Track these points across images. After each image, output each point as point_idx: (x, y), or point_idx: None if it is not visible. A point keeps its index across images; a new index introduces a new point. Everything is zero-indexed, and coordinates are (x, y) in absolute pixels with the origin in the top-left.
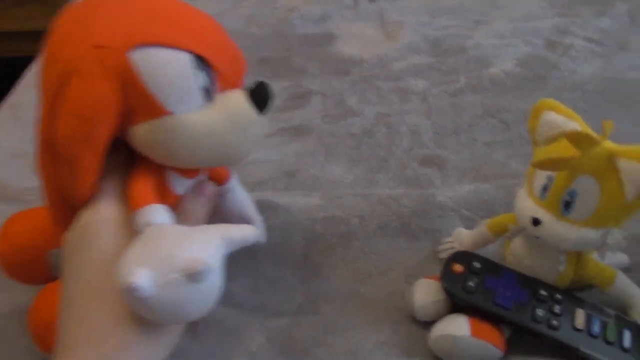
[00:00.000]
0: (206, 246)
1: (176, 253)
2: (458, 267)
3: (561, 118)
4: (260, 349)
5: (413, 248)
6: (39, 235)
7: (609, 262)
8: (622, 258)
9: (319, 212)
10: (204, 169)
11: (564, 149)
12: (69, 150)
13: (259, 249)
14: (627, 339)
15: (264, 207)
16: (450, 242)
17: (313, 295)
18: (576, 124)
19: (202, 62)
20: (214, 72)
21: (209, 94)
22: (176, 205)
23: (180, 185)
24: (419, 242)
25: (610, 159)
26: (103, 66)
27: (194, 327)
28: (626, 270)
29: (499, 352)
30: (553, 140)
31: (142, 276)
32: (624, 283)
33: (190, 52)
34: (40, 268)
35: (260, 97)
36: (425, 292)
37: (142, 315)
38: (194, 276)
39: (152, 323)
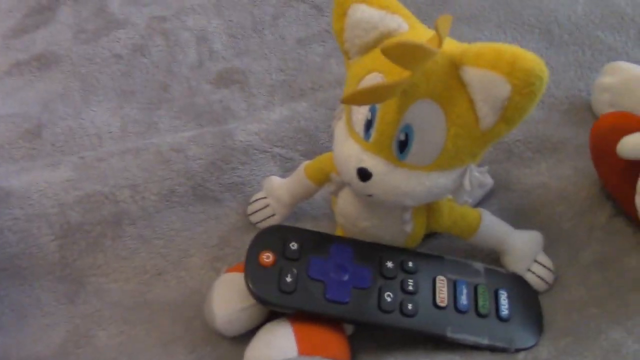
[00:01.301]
0: None
1: None
2: (266, 257)
3: (377, 13)
4: None
5: (214, 217)
6: None
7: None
8: (482, 178)
9: (71, 191)
10: None
11: (387, 63)
12: None
13: None
14: (504, 303)
15: None
16: (263, 198)
17: (81, 321)
18: (399, 19)
19: None
20: None
21: None
22: None
23: None
24: (221, 207)
25: (454, 70)
26: None
27: None
28: (490, 194)
29: None
30: (370, 48)
31: None
32: (489, 226)
33: None
34: None
35: None
36: (228, 298)
37: None
38: None
39: None
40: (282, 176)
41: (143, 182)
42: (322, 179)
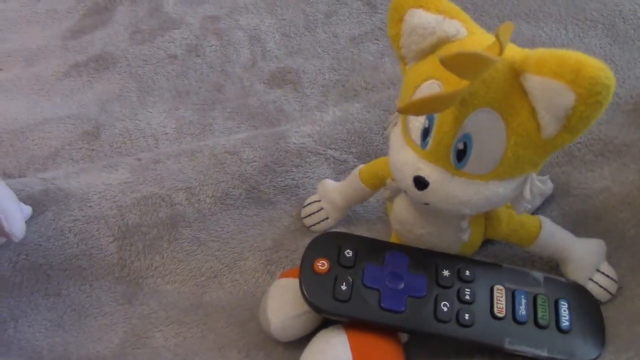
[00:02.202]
0: None
1: None
2: (321, 265)
3: (434, 18)
4: None
5: (268, 219)
6: None
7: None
8: (544, 187)
9: (128, 194)
10: None
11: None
12: None
13: (50, 264)
14: (564, 314)
15: (45, 201)
16: (316, 201)
17: (138, 321)
18: (457, 24)
19: None
20: None
21: None
22: None
23: None
24: (274, 210)
25: (515, 77)
26: None
27: None
28: (547, 200)
29: None
30: (427, 53)
31: None
32: (550, 234)
33: None
34: None
35: None
36: (283, 304)
37: None
38: None
39: None
40: (336, 179)
41: (198, 184)
42: (377, 184)
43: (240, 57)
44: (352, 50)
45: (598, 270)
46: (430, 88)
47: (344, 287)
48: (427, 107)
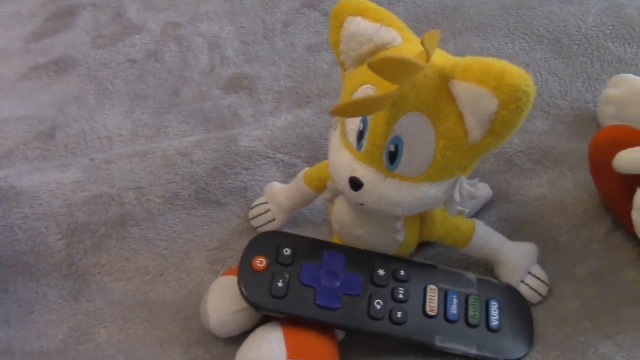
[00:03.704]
0: None
1: None
2: (259, 262)
3: (371, 26)
4: None
5: (216, 220)
6: None
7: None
8: (482, 191)
9: (79, 192)
10: None
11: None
12: None
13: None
14: (494, 314)
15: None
16: (263, 203)
17: (83, 318)
18: (393, 32)
19: None
20: None
21: None
22: None
23: None
24: (223, 211)
25: (443, 83)
26: None
27: None
28: (487, 204)
29: None
30: (365, 60)
31: None
32: (482, 237)
33: None
34: None
35: None
36: (222, 300)
37: None
38: None
39: None
40: (284, 182)
41: (148, 184)
42: (320, 186)
43: (199, 62)
44: (307, 59)
45: (529, 273)
46: (365, 92)
47: (280, 284)
48: (360, 109)
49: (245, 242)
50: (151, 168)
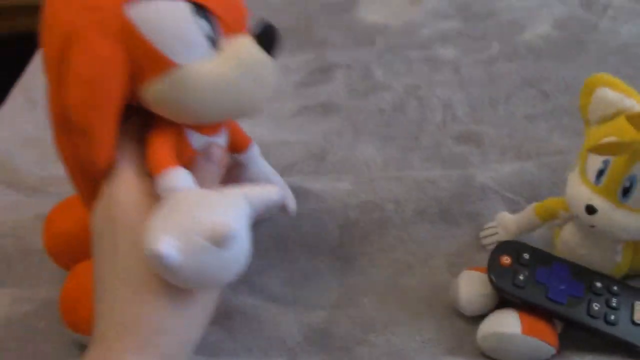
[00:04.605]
0: (230, 210)
1: (200, 218)
2: (506, 260)
3: (617, 95)
4: (298, 347)
5: (454, 234)
6: (81, 222)
7: None
8: None
9: (351, 198)
10: (223, 128)
11: (621, 130)
12: (81, 120)
13: (292, 238)
14: None
15: (293, 193)
16: (493, 227)
17: (350, 288)
18: (634, 102)
19: (201, 10)
20: (216, 19)
21: (214, 42)
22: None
23: (198, 142)
24: (459, 228)
25: None
26: (101, 27)
27: (228, 322)
28: None
29: (552, 350)
30: (608, 120)
31: (167, 244)
32: None
33: (188, 0)
34: (86, 254)
35: (267, 39)
36: (471, 285)
37: (172, 297)
38: (219, 241)
39: (185, 305)
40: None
41: (403, 200)
42: (548, 217)
43: (435, 117)
44: (526, 125)
45: None
46: (609, 141)
47: (521, 277)
48: (610, 150)
49: (475, 256)
50: (405, 188)
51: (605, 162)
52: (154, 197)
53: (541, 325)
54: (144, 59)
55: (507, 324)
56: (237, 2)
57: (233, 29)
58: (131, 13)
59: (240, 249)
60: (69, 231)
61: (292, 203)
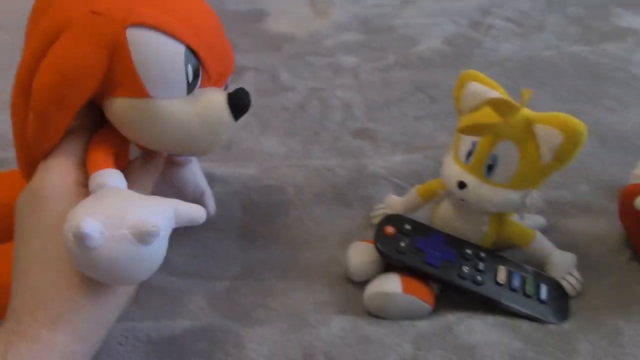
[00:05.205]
0: (158, 212)
1: (127, 211)
2: (390, 230)
3: (484, 88)
4: (201, 312)
5: (347, 215)
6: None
7: (528, 224)
8: (540, 220)
9: (255, 182)
10: None
11: (487, 117)
12: (41, 106)
13: None
14: (543, 292)
15: None
16: (382, 208)
17: (252, 262)
18: (498, 93)
19: (193, 55)
20: (202, 67)
21: (191, 86)
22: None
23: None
24: (353, 210)
25: (528, 125)
26: (96, 32)
27: (135, 294)
28: (543, 231)
29: (428, 307)
30: (476, 109)
31: (90, 223)
32: (541, 242)
33: (186, 44)
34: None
35: (238, 103)
36: (360, 254)
37: (86, 276)
38: (142, 236)
39: (100, 285)
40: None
41: (303, 185)
42: (429, 197)
43: (335, 116)
44: (415, 124)
45: (570, 273)
46: None
47: (402, 245)
48: (476, 131)
49: (365, 233)
50: (306, 175)
51: (474, 144)
52: (86, 189)
53: (419, 286)
54: (122, 78)
55: (390, 284)
56: (229, 60)
57: (213, 82)
58: (130, 34)
59: (158, 251)
60: (2, 201)
61: (212, 209)
